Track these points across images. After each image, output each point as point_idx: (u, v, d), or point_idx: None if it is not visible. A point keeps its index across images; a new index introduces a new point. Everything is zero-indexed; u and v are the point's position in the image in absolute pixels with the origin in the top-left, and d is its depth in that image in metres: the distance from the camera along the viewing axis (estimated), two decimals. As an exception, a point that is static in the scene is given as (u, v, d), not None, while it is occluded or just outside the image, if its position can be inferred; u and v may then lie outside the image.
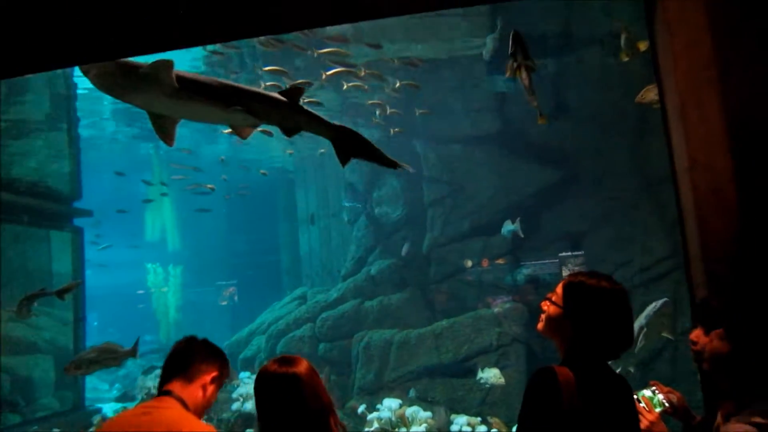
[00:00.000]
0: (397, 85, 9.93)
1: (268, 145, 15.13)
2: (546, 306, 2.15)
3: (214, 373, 2.45)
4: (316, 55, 8.59)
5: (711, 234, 2.42)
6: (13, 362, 10.07)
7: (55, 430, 9.27)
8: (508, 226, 10.26)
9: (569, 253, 9.50)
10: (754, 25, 2.43)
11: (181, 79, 3.17)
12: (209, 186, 14.27)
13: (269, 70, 9.06)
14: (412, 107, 11.14)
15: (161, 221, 22.91)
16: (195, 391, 2.37)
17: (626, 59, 6.12)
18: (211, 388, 2.42)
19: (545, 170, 10.74)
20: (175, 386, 2.35)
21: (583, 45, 9.59)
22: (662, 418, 2.32)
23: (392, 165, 3.93)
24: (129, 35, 2.80)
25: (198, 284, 21.75)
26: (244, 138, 3.71)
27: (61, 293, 7.66)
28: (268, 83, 8.86)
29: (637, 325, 6.67)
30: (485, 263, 10.73)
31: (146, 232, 23.11)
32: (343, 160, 3.93)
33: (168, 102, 3.20)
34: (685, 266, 2.65)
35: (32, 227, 10.03)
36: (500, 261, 10.41)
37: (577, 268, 9.31)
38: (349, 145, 3.86)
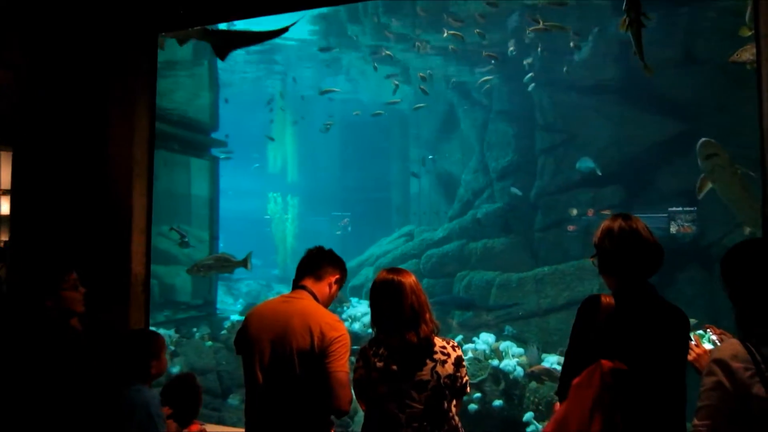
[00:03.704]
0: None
1: (384, 86, 15.62)
2: None
3: (337, 276, 3.05)
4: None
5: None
6: (160, 271, 11.71)
7: (194, 329, 10.80)
8: (586, 162, 10.17)
9: (680, 209, 9.29)
10: None
11: None
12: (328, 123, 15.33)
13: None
14: (529, 51, 11.08)
15: (282, 154, 24.39)
16: (323, 288, 2.97)
17: (748, 34, 5.83)
18: (334, 287, 3.03)
19: (665, 122, 10.37)
20: (308, 282, 2.96)
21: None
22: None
23: (276, 34, 4.51)
24: None
25: (312, 215, 23.16)
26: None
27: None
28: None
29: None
30: (590, 213, 10.72)
31: (269, 163, 24.76)
32: (221, 56, 4.59)
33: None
34: (762, 223, 2.85)
35: (177, 154, 11.37)
36: (606, 212, 10.36)
37: (688, 225, 9.13)
38: (225, 44, 4.55)
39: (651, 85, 10.27)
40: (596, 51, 11.02)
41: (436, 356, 2.62)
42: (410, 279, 2.73)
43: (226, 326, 10.99)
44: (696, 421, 1.94)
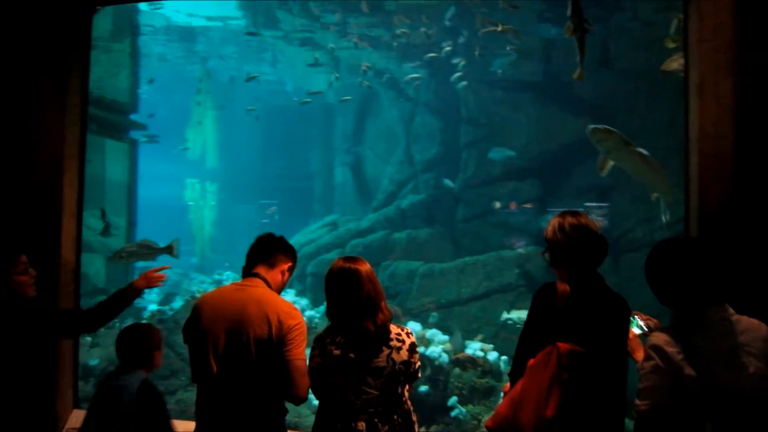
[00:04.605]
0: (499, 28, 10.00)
1: (311, 73, 15.47)
2: None
3: (289, 263, 3.05)
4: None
5: (709, 191, 2.90)
6: (72, 257, 11.04)
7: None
8: (500, 152, 10.82)
9: (594, 204, 9.90)
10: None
11: None
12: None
13: None
14: (459, 49, 11.35)
15: (203, 138, 23.60)
16: (276, 275, 2.97)
17: (672, 45, 6.28)
18: (286, 275, 3.03)
19: (580, 122, 10.89)
20: (260, 270, 2.93)
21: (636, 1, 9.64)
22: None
23: None
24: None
25: (232, 202, 22.61)
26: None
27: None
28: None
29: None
30: (513, 206, 11.19)
31: (189, 147, 23.88)
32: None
33: None
34: (684, 217, 3.14)
35: (93, 135, 10.72)
36: (527, 205, 10.86)
37: (600, 219, 9.75)
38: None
39: (569, 87, 10.84)
40: (520, 51, 11.46)
41: (391, 343, 2.69)
42: (366, 267, 2.79)
43: (145, 317, 10.58)
44: (637, 401, 2.15)
